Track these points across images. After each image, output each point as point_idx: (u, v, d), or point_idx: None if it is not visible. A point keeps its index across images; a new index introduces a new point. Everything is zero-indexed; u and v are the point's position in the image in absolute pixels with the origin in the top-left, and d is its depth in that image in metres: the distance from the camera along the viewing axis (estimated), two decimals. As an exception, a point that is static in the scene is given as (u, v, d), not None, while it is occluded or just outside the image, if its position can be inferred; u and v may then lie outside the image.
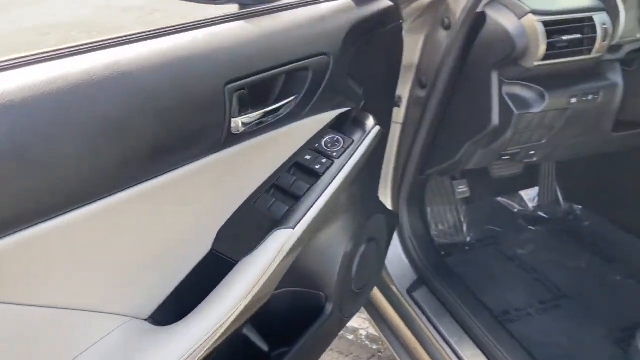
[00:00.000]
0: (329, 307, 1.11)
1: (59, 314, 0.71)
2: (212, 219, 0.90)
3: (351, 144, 1.01)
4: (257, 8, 0.89)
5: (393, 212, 1.38)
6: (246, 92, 0.82)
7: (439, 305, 1.49)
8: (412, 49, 1.44)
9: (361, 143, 1.02)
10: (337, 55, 0.97)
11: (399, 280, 1.57)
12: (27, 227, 0.63)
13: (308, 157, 0.99)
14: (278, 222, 0.91)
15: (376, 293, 1.61)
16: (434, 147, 1.50)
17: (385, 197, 1.61)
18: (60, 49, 0.67)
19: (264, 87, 0.89)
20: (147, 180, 0.73)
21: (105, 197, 0.69)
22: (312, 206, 0.92)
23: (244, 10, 0.88)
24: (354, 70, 1.04)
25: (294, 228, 0.89)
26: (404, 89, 1.49)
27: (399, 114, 1.52)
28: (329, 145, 1.01)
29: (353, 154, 1.00)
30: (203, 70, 0.77)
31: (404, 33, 1.44)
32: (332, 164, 0.98)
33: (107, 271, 0.76)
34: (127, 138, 0.69)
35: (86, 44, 0.69)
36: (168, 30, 0.77)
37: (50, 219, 0.65)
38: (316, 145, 1.01)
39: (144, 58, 0.71)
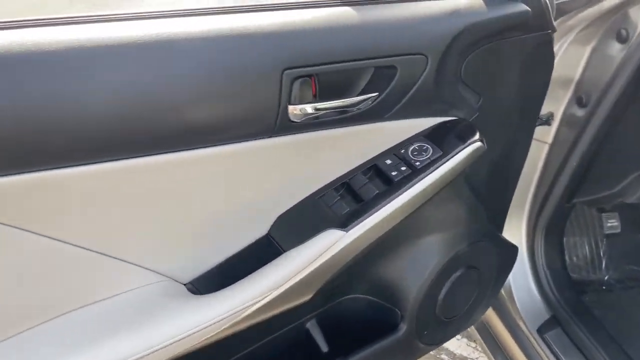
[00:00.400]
0: (402, 326, 1.05)
1: (98, 258, 0.75)
2: (272, 204, 0.88)
3: (440, 155, 0.90)
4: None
5: (511, 245, 1.24)
6: (310, 80, 0.78)
7: (574, 351, 1.32)
8: (573, 62, 1.28)
9: (452, 157, 0.90)
10: (438, 57, 0.86)
11: (528, 318, 1.42)
12: (85, 164, 0.68)
13: (389, 161, 0.90)
14: (334, 222, 0.84)
15: (501, 329, 1.46)
16: (588, 173, 1.33)
17: (520, 223, 1.46)
18: (137, 13, 0.72)
19: (341, 79, 0.84)
20: (203, 147, 0.75)
21: (164, 152, 0.72)
22: (373, 213, 0.84)
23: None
24: (470, 78, 0.94)
25: (347, 230, 0.82)
26: (557, 106, 1.33)
27: (547, 133, 1.36)
28: (415, 153, 0.91)
29: (438, 167, 0.89)
30: (260, 52, 0.74)
31: (565, 45, 1.29)
32: (410, 173, 0.88)
33: (155, 228, 0.78)
34: (184, 104, 0.71)
35: (155, 12, 0.72)
36: (238, 9, 0.76)
37: (109, 160, 0.69)
38: (401, 151, 0.91)
39: (206, 32, 0.72)
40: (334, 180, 0.90)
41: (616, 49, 1.19)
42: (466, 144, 0.91)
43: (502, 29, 0.94)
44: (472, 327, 1.58)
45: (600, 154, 1.29)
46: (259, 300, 0.79)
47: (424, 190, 0.87)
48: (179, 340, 0.75)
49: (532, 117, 1.15)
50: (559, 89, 1.31)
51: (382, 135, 0.91)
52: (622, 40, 1.18)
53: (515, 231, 1.48)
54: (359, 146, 0.90)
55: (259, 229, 0.89)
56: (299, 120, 0.78)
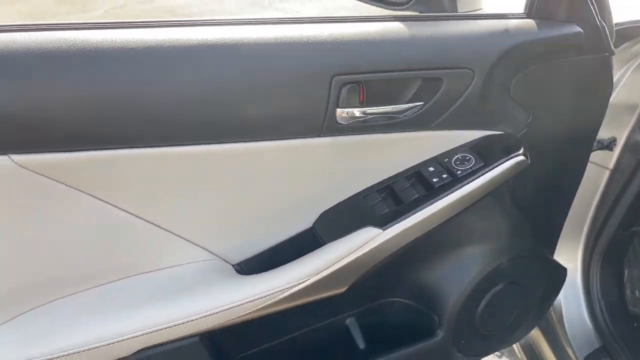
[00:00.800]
0: (439, 333, 1.09)
1: (158, 232, 0.85)
2: (318, 200, 0.95)
3: (481, 166, 0.93)
4: (411, 14, 0.91)
5: (560, 266, 1.23)
6: (358, 87, 0.85)
7: (623, 385, 1.29)
8: (638, 88, 1.27)
9: (493, 168, 0.94)
10: (484, 72, 0.91)
11: (577, 344, 1.39)
12: (158, 146, 0.78)
13: (432, 169, 0.95)
14: (373, 220, 0.91)
15: (547, 353, 1.44)
16: (650, 202, 1.30)
17: (576, 248, 1.44)
18: (212, 19, 0.83)
19: (388, 88, 0.89)
20: (258, 140, 0.84)
21: (225, 143, 0.82)
22: (411, 215, 0.90)
23: (393, 14, 0.89)
24: (520, 95, 0.97)
25: (384, 229, 0.88)
26: (620, 132, 1.31)
27: (608, 158, 1.35)
28: (458, 163, 0.95)
29: (479, 177, 0.93)
30: (313, 59, 0.83)
31: (630, 71, 1.28)
32: (451, 180, 0.92)
33: (211, 210, 0.88)
34: (244, 101, 0.80)
35: (226, 19, 0.83)
36: (298, 20, 0.85)
37: (177, 145, 0.79)
38: (445, 160, 0.96)
39: (268, 39, 0.81)
40: (377, 183, 0.97)
41: (683, 77, 1.17)
42: (509, 157, 0.94)
43: (553, 49, 0.96)
44: (518, 347, 1.56)
45: (662, 181, 1.27)
46: (295, 285, 0.87)
47: (463, 197, 0.92)
48: (216, 313, 0.84)
49: (587, 141, 1.15)
50: (622, 114, 1.30)
51: (427, 144, 0.96)
52: (690, 68, 1.16)
53: (571, 256, 1.46)
54: (404, 153, 0.96)
55: (304, 222, 0.96)
56: (346, 123, 0.86)
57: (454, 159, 0.96)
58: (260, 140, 0.84)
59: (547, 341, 1.44)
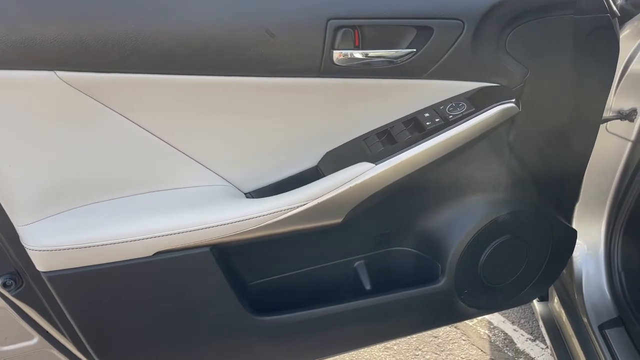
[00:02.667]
0: (442, 279, 1.17)
1: (179, 155, 0.98)
2: (322, 141, 1.06)
3: (472, 111, 1.01)
4: None
5: (568, 227, 1.25)
6: (352, 31, 0.94)
7: (633, 352, 1.29)
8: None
9: (482, 112, 1.00)
10: (474, 24, 0.97)
11: (593, 313, 1.40)
12: (180, 74, 0.91)
13: (427, 114, 1.04)
14: (369, 157, 1.01)
15: (564, 321, 1.46)
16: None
17: (600, 220, 1.46)
18: None
19: (383, 35, 0.98)
20: (264, 76, 0.95)
21: (236, 75, 0.94)
22: (402, 152, 0.99)
23: None
24: (517, 50, 1.03)
25: (376, 164, 0.99)
26: (641, 102, 1.33)
27: (629, 130, 1.36)
28: (451, 108, 1.03)
29: (468, 120, 1.00)
30: (308, 2, 0.92)
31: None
32: (442, 123, 1.01)
33: (228, 140, 1.00)
34: (246, 37, 0.91)
35: None
36: None
37: (198, 74, 0.92)
38: (440, 107, 1.04)
39: None
40: (377, 128, 1.07)
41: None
42: (498, 102, 1.02)
43: (547, 4, 1.02)
44: (544, 328, 1.58)
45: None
46: (295, 208, 0.98)
47: (451, 138, 1.00)
48: (222, 225, 0.96)
49: (595, 104, 1.17)
50: None
51: (424, 92, 1.05)
52: None
53: (595, 228, 1.48)
54: (402, 100, 1.05)
55: (311, 161, 1.08)
56: (343, 65, 0.96)
57: (448, 106, 1.04)
58: (264, 76, 0.95)
59: (566, 313, 1.46)
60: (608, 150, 1.39)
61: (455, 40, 0.99)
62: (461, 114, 1.01)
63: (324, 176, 1.05)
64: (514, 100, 1.02)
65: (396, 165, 0.99)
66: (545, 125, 1.15)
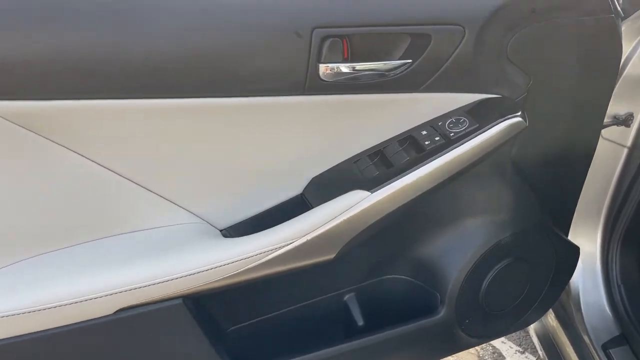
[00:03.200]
0: (441, 309, 1.05)
1: (141, 191, 0.84)
2: (307, 165, 0.93)
3: (476, 127, 0.89)
4: None
5: (571, 244, 1.17)
6: (341, 42, 0.81)
7: (641, 373, 1.21)
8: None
9: (487, 129, 0.90)
10: (476, 30, 0.87)
11: (594, 332, 1.32)
12: (136, 97, 0.77)
13: (424, 132, 0.92)
14: (362, 184, 0.88)
15: (564, 341, 1.38)
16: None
17: (595, 231, 1.38)
18: None
19: (375, 45, 0.86)
20: (241, 96, 0.81)
21: (205, 97, 0.80)
22: (400, 177, 0.87)
23: None
24: (519, 57, 0.93)
25: (371, 192, 0.86)
26: (637, 106, 1.25)
27: (626, 135, 1.28)
28: (452, 125, 0.92)
29: (472, 139, 0.89)
30: (291, 9, 0.79)
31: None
32: (443, 143, 0.89)
33: (197, 171, 0.86)
34: (221, 53, 0.78)
35: None
36: None
37: (157, 97, 0.78)
38: (439, 124, 0.92)
39: None
40: (369, 148, 0.94)
41: None
42: (504, 118, 0.91)
43: (551, 6, 0.92)
44: (536, 338, 1.50)
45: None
46: (281, 247, 0.85)
47: (455, 159, 0.88)
48: (198, 273, 0.82)
49: (597, 111, 1.09)
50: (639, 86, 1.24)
51: (420, 107, 0.93)
52: None
53: (590, 240, 1.40)
54: (396, 116, 0.93)
55: (294, 188, 0.94)
56: (330, 80, 0.84)
57: (448, 122, 0.92)
58: (242, 96, 0.82)
59: (564, 329, 1.38)
60: (603, 158, 1.30)
61: (455, 49, 0.87)
62: (464, 132, 0.90)
63: (311, 206, 0.92)
64: (520, 113, 0.92)
65: (395, 192, 0.87)
66: (548, 136, 1.05)
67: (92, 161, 0.79)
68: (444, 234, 1.05)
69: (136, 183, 0.83)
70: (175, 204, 0.88)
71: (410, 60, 0.86)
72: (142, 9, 0.74)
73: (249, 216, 0.93)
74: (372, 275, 1.08)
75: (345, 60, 0.83)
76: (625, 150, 1.29)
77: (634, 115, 1.25)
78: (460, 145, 0.88)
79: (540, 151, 1.07)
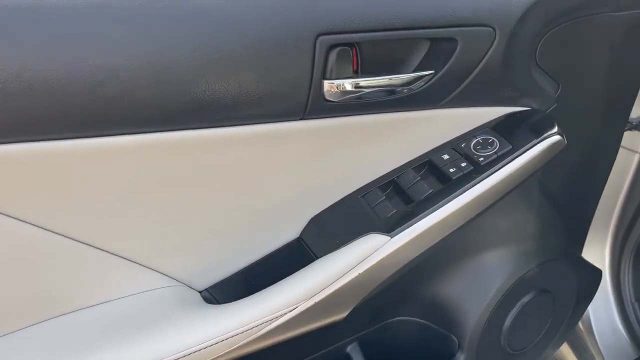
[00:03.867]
0: (460, 356, 0.90)
1: (101, 255, 0.64)
2: (305, 203, 0.75)
3: (509, 150, 0.74)
4: None
5: (593, 268, 1.05)
6: (350, 51, 0.64)
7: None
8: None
9: (524, 152, 0.74)
10: (508, 31, 0.71)
11: (610, 356, 1.21)
12: (85, 137, 0.56)
13: (446, 156, 0.76)
14: (377, 225, 0.71)
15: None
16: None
17: (603, 245, 1.26)
18: None
19: (390, 52, 0.69)
20: (221, 126, 0.62)
21: (177, 130, 0.60)
22: (425, 216, 0.70)
23: None
24: (548, 61, 0.78)
25: (392, 236, 0.69)
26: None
27: (638, 140, 1.16)
28: (479, 147, 0.76)
29: (507, 164, 0.73)
30: (289, 13, 0.60)
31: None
32: (471, 170, 0.73)
33: (166, 223, 0.66)
34: (194, 72, 0.57)
35: None
36: None
37: (112, 135, 0.57)
38: (462, 145, 0.77)
39: None
40: (379, 177, 0.77)
41: None
42: (542, 137, 0.75)
43: (586, 1, 0.78)
44: None
45: None
46: (284, 314, 0.66)
47: (489, 191, 0.72)
48: (185, 356, 0.63)
49: (621, 116, 0.97)
50: None
51: (440, 125, 0.77)
52: None
53: (597, 254, 1.28)
54: (411, 137, 0.76)
55: (290, 232, 0.76)
56: (336, 100, 0.65)
57: (473, 143, 0.76)
58: (227, 126, 0.63)
59: (577, 355, 1.25)
60: (614, 165, 1.18)
61: (485, 55, 0.71)
62: (495, 155, 0.74)
63: (313, 254, 0.74)
64: (557, 130, 0.76)
65: (420, 235, 0.70)
66: (574, 149, 0.91)
67: (30, 224, 0.58)
68: (461, 269, 0.89)
69: (93, 245, 0.63)
70: (143, 265, 0.67)
71: (432, 71, 0.69)
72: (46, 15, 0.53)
73: (236, 271, 0.74)
74: (378, 318, 0.91)
75: (354, 74, 0.65)
76: (637, 156, 1.17)
77: (648, 118, 1.12)
78: (494, 172, 0.72)
79: (563, 166, 0.93)
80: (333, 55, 0.62)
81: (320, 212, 0.75)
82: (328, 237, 0.73)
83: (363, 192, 0.75)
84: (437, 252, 0.85)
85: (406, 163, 0.77)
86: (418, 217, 0.70)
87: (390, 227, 0.70)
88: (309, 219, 0.75)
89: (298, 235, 0.75)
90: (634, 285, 1.23)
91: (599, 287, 1.27)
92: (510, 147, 0.74)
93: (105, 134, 0.56)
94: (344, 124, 0.69)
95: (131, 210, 0.63)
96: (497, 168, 0.72)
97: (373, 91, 0.67)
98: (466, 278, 0.90)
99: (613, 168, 1.20)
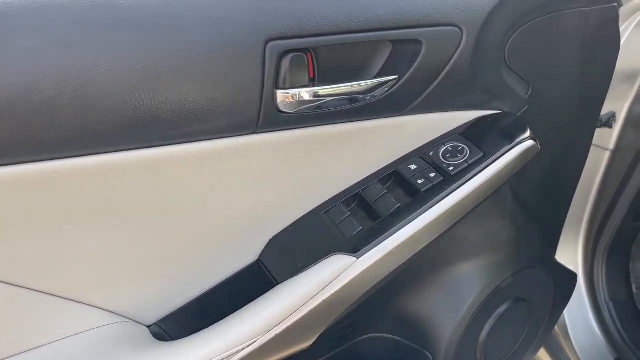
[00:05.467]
0: None
1: (30, 295, 0.56)
2: (263, 222, 0.69)
3: (480, 158, 0.70)
4: None
5: (569, 271, 1.02)
6: (305, 57, 0.58)
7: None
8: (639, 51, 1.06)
9: (497, 159, 0.70)
10: (476, 31, 0.67)
11: (587, 358, 1.18)
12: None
13: (413, 166, 0.71)
14: (342, 245, 0.65)
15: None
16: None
17: (576, 245, 1.23)
18: None
19: (349, 57, 0.64)
20: (163, 144, 0.56)
21: (110, 152, 0.53)
22: (394, 233, 0.65)
23: None
24: (517, 61, 0.75)
25: (357, 256, 0.63)
26: (619, 105, 1.11)
27: (608, 137, 1.14)
28: (448, 155, 0.71)
29: (479, 173, 0.69)
30: (235, 17, 0.55)
31: (629, 30, 1.07)
32: (441, 180, 0.68)
33: (103, 252, 0.59)
34: (127, 84, 0.51)
35: None
36: None
37: (32, 161, 0.50)
38: (430, 154, 0.72)
39: None
40: (343, 191, 0.71)
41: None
42: (514, 142, 0.71)
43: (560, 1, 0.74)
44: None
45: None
46: (243, 349, 0.60)
47: (460, 202, 0.67)
48: None
49: (592, 114, 0.93)
50: (621, 83, 1.10)
51: (406, 132, 0.71)
52: None
53: (570, 255, 1.25)
54: (376, 147, 0.71)
55: (247, 254, 0.70)
56: (292, 111, 0.60)
57: (442, 150, 0.71)
58: (171, 145, 0.57)
59: (552, 358, 1.22)
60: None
61: (452, 56, 0.66)
62: (466, 164, 0.69)
63: (274, 279, 0.68)
64: (529, 134, 0.72)
65: (390, 253, 0.64)
66: (546, 151, 0.88)
67: None
68: (434, 282, 0.85)
69: (15, 285, 0.55)
70: (80, 303, 0.60)
71: (396, 76, 0.64)
72: None
73: (186, 302, 0.67)
74: (349, 337, 0.86)
75: (311, 82, 0.59)
76: (608, 154, 1.15)
77: (616, 115, 1.10)
78: (466, 182, 0.67)
79: (535, 169, 0.89)
80: (286, 63, 0.56)
81: (281, 232, 0.69)
82: (289, 259, 0.67)
83: (326, 208, 0.70)
84: (408, 266, 0.80)
85: (372, 175, 0.71)
86: (386, 234, 0.64)
87: (356, 246, 0.64)
88: (269, 239, 0.69)
89: (257, 258, 0.69)
90: (608, 285, 1.21)
91: (575, 288, 1.25)
92: (482, 154, 0.69)
93: (22, 161, 0.49)
94: (302, 136, 0.63)
95: (61, 243, 0.56)
96: (468, 178, 0.68)
97: (332, 100, 0.61)
98: (439, 291, 0.85)
99: (585, 166, 1.18)
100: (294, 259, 0.67)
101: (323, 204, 0.70)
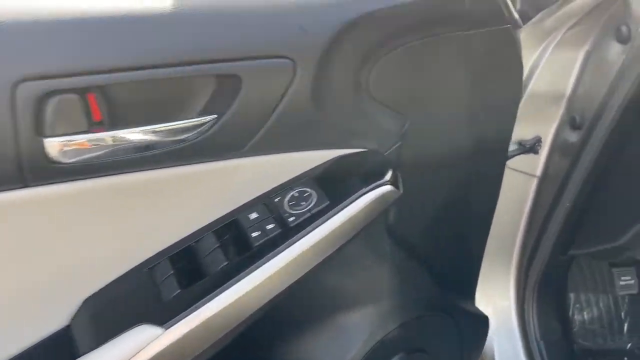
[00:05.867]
0: None
1: None
2: (75, 281, 0.60)
3: (325, 207, 0.62)
4: None
5: (478, 314, 0.93)
6: (83, 98, 0.51)
7: None
8: (564, 71, 0.98)
9: (342, 208, 0.62)
10: (315, 61, 0.59)
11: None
12: None
13: (254, 215, 0.62)
14: (154, 311, 0.57)
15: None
16: (586, 216, 1.01)
17: (507, 281, 1.15)
18: None
19: (157, 95, 0.56)
20: None
21: None
22: (209, 300, 0.57)
23: None
24: (386, 92, 0.68)
25: (165, 328, 0.55)
26: (545, 129, 1.02)
27: (534, 164, 1.06)
28: (293, 203, 0.63)
29: (322, 224, 0.61)
30: None
31: (549, 50, 0.99)
32: (278, 233, 0.60)
33: None
34: None
35: None
36: None
37: None
38: (275, 200, 0.63)
39: None
40: (171, 246, 0.62)
41: (616, 52, 0.89)
42: (369, 187, 0.63)
43: (428, 20, 0.66)
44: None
45: (600, 190, 0.97)
46: None
47: (297, 260, 0.59)
48: None
49: (501, 140, 0.84)
50: (547, 107, 1.02)
51: (248, 176, 0.63)
52: (623, 39, 0.87)
53: (502, 290, 1.16)
54: (210, 193, 0.62)
55: (55, 319, 0.60)
56: (70, 161, 0.52)
57: (289, 197, 0.63)
58: None
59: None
60: (510, 192, 1.06)
61: (285, 92, 0.58)
62: (308, 213, 0.61)
63: (78, 350, 0.59)
64: (389, 178, 0.64)
65: (203, 324, 0.56)
66: (439, 185, 0.79)
67: None
68: (310, 336, 0.76)
69: None
70: None
71: (214, 116, 0.56)
72: None
73: None
74: None
75: (97, 125, 0.52)
76: (535, 181, 1.07)
77: (541, 139, 1.01)
78: (305, 236, 0.59)
79: (430, 208, 0.81)
80: (51, 106, 0.49)
81: (97, 292, 0.61)
82: (99, 326, 0.59)
83: (149, 264, 0.61)
84: (282, 316, 0.72)
85: (207, 225, 0.63)
86: (202, 301, 0.56)
87: (170, 314, 0.56)
88: (83, 299, 0.61)
89: (67, 324, 0.61)
90: (539, 321, 1.12)
91: (506, 325, 1.16)
92: (328, 202, 0.61)
93: None
94: (93, 187, 0.55)
95: None
96: (309, 230, 0.59)
97: (126, 146, 0.53)
98: (317, 346, 0.77)
99: (511, 195, 1.09)
100: (103, 326, 0.58)
101: (148, 259, 0.62)
